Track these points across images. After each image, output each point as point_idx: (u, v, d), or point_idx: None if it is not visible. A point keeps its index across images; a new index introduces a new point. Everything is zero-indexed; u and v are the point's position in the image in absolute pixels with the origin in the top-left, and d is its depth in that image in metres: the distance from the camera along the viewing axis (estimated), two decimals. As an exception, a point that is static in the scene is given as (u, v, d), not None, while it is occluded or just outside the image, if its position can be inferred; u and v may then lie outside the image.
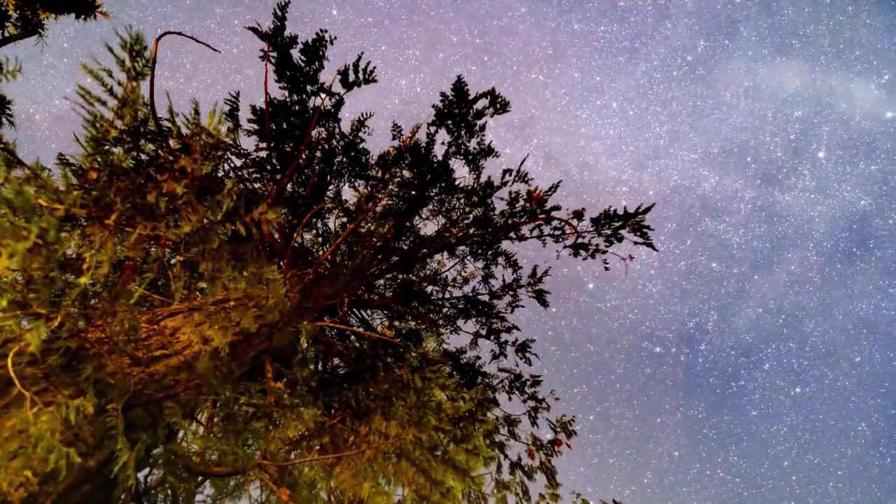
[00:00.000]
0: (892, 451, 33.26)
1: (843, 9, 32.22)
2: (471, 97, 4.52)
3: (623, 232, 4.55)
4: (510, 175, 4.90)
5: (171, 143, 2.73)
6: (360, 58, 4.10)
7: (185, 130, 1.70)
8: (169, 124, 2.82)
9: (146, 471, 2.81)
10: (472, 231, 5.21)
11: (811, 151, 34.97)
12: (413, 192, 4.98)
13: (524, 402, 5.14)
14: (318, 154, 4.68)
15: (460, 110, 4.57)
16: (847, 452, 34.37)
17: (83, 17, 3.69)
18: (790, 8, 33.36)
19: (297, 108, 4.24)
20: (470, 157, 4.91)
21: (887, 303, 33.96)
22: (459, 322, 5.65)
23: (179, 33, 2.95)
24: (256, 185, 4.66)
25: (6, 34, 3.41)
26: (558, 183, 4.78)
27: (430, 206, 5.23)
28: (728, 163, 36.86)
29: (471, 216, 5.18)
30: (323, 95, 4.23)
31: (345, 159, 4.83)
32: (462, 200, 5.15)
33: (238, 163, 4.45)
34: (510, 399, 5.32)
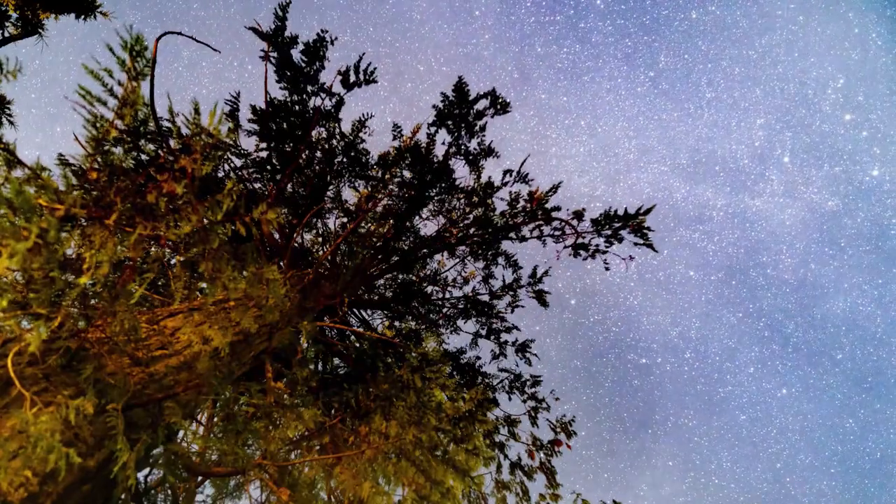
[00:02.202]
0: (882, 445, 33.61)
1: (794, 19, 33.45)
2: (471, 98, 4.52)
3: (623, 233, 4.55)
4: (510, 175, 4.90)
5: (172, 143, 2.73)
6: (360, 58, 4.11)
7: (185, 130, 1.70)
8: (169, 124, 2.83)
9: (146, 471, 2.81)
10: (472, 231, 5.21)
11: (776, 157, 36.12)
12: (413, 192, 4.98)
13: (524, 402, 5.14)
14: (318, 154, 4.68)
15: (461, 111, 4.57)
16: (838, 450, 34.73)
17: (83, 17, 3.68)
18: (744, 21, 34.55)
19: (297, 108, 4.24)
20: (470, 158, 4.91)
21: (863, 299, 34.72)
22: (459, 322, 5.65)
23: (179, 33, 2.95)
24: (256, 185, 4.67)
25: (6, 34, 3.41)
26: (559, 184, 4.78)
27: (430, 206, 5.23)
28: (697, 172, 37.95)
29: (471, 216, 5.18)
30: (323, 96, 4.23)
31: (345, 159, 4.83)
32: (462, 200, 5.15)
33: (238, 163, 4.45)
34: (510, 399, 5.32)
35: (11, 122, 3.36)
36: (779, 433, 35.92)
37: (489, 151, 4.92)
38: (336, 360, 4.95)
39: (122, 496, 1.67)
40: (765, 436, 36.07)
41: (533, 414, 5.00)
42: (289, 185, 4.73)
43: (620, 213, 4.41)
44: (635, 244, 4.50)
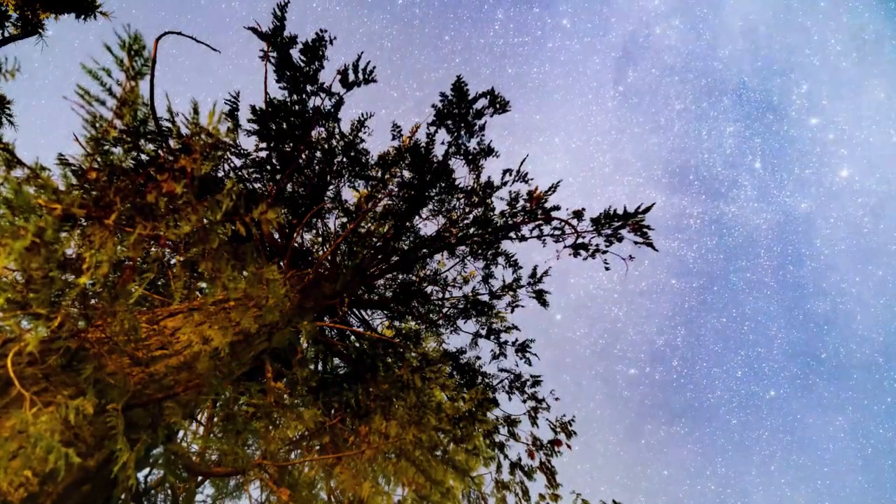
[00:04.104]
0: (872, 441, 33.99)
1: (755, 29, 35.03)
2: (470, 97, 4.52)
3: (623, 232, 4.55)
4: (510, 175, 4.90)
5: (171, 142, 2.73)
6: (359, 58, 4.10)
7: (184, 130, 1.70)
8: (169, 124, 2.82)
9: (146, 471, 2.82)
10: (472, 231, 5.21)
11: (748, 163, 37.39)
12: (413, 192, 4.98)
13: (524, 402, 5.14)
14: (318, 154, 4.68)
15: (460, 110, 4.56)
16: (829, 448, 35.16)
17: (83, 17, 3.68)
18: (707, 34, 36.08)
19: (296, 107, 4.24)
20: (470, 157, 4.91)
21: (841, 297, 35.63)
22: (459, 322, 5.65)
23: (179, 33, 2.95)
24: (256, 185, 4.67)
25: (6, 34, 3.41)
26: (558, 183, 4.78)
27: (430, 206, 5.23)
28: (672, 182, 39.10)
29: (471, 216, 5.18)
30: (323, 95, 4.22)
31: (345, 159, 4.83)
32: (462, 200, 5.15)
33: (238, 163, 4.45)
34: (510, 399, 5.32)
35: (11, 122, 3.36)
36: (770, 435, 36.37)
37: (489, 151, 4.92)
38: (336, 360, 4.95)
39: (122, 496, 1.67)
40: (757, 438, 36.53)
41: (533, 414, 5.00)
42: (289, 185, 4.73)
43: (620, 212, 4.41)
44: (635, 243, 4.49)
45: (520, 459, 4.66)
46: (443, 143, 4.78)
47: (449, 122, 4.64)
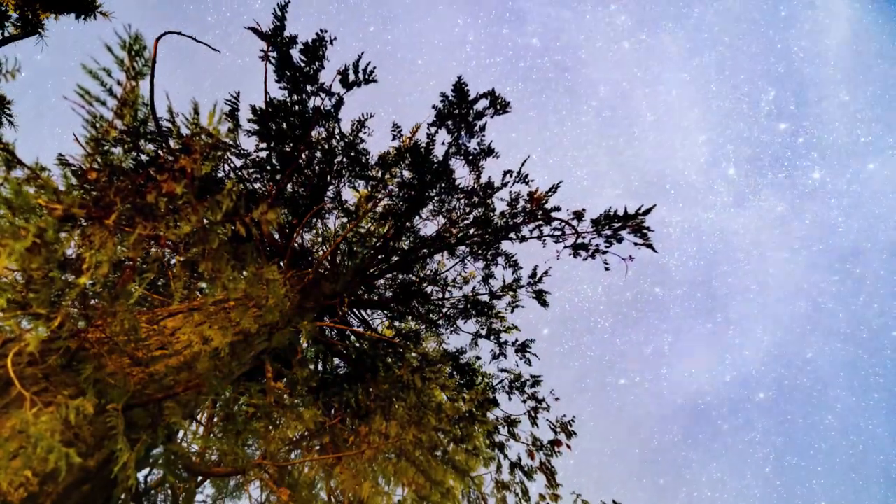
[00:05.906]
0: (863, 438, 34.32)
1: (720, 40, 36.00)
2: (471, 97, 4.51)
3: (623, 233, 4.55)
4: (510, 176, 4.89)
5: (171, 143, 2.73)
6: (360, 58, 4.10)
7: (184, 130, 1.70)
8: (169, 124, 2.82)
9: (146, 471, 2.82)
10: (472, 231, 5.21)
11: (722, 169, 38.22)
12: (413, 192, 4.98)
13: (524, 402, 5.13)
14: (318, 154, 4.68)
15: (460, 110, 4.56)
16: (822, 447, 35.49)
17: (83, 17, 3.69)
18: (673, 47, 37.01)
19: (296, 107, 4.24)
20: (470, 158, 4.91)
21: (824, 297, 36.25)
22: (459, 322, 5.65)
23: (179, 33, 2.95)
24: (256, 185, 4.66)
25: (6, 34, 3.41)
26: (559, 183, 4.78)
27: (430, 206, 5.22)
28: (649, 192, 40.04)
29: (471, 216, 5.17)
30: (323, 95, 4.22)
31: (345, 159, 4.83)
32: (462, 200, 5.15)
33: (238, 163, 4.45)
34: (510, 399, 5.32)
35: (11, 122, 3.36)
36: (763, 437, 36.66)
37: (489, 151, 4.92)
38: (336, 360, 4.95)
39: (122, 496, 1.67)
40: (750, 442, 36.83)
41: (533, 414, 5.00)
42: (289, 185, 4.73)
43: (620, 213, 4.41)
44: (635, 244, 4.50)
45: (520, 459, 4.66)
46: (443, 143, 4.78)
47: (449, 122, 4.64)
